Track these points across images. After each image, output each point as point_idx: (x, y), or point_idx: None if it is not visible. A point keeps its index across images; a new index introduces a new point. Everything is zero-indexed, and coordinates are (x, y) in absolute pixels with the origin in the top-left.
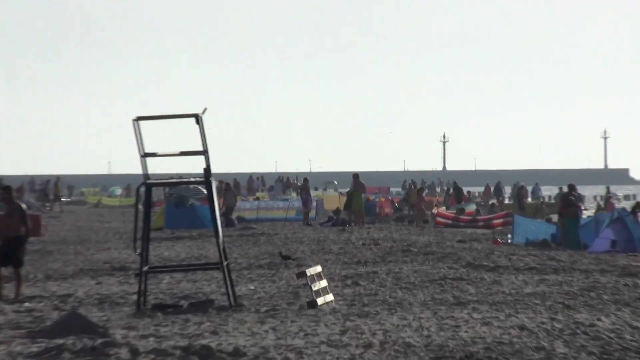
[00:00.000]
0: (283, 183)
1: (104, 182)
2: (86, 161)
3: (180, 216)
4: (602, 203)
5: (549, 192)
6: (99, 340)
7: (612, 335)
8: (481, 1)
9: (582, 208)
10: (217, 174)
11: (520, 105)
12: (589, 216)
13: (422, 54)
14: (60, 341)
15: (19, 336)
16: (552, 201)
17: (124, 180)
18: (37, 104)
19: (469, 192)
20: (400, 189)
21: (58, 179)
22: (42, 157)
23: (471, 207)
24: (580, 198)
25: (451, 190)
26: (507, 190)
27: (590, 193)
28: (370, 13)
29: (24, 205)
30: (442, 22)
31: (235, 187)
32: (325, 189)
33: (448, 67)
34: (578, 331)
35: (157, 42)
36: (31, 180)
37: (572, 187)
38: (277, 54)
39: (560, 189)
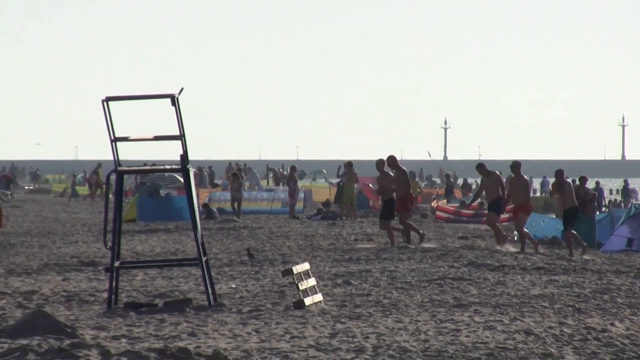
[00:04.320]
0: (276, 172)
1: (71, 168)
2: (51, 146)
3: (154, 207)
4: (619, 198)
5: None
6: (67, 341)
7: (626, 341)
8: None
9: (602, 204)
10: (195, 161)
11: (529, 89)
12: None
13: (423, 30)
14: (24, 342)
15: None
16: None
17: (92, 166)
18: None
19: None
20: None
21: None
22: (2, 141)
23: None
24: (601, 193)
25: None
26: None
27: (606, 187)
28: None
29: None
30: None
31: (211, 176)
32: (314, 179)
33: (450, 48)
34: (589, 337)
35: (127, 17)
36: None
37: (583, 180)
38: (264, 30)
39: (573, 181)
